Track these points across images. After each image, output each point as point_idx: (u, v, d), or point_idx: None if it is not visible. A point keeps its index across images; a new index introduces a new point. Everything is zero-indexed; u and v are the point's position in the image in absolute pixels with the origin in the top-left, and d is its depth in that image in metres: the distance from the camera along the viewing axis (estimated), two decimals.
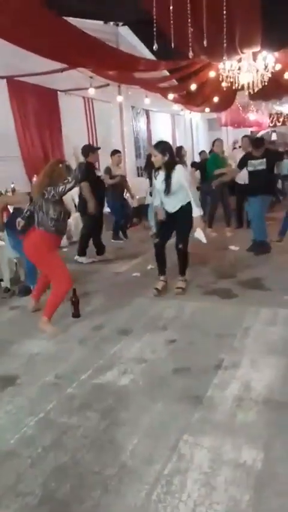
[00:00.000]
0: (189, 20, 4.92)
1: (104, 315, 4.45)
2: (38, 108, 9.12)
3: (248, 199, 7.09)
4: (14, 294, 5.27)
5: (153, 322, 4.22)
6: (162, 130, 15.54)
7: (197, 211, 4.76)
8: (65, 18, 5.18)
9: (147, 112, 14.01)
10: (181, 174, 4.80)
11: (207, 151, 10.86)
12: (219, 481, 2.15)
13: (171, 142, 16.84)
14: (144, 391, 3.01)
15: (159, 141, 5.15)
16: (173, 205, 4.94)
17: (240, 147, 10.25)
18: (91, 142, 10.40)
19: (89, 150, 6.62)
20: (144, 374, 3.25)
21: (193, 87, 9.34)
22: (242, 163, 6.72)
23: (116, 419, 2.71)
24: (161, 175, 4.88)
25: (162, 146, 4.89)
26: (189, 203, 4.79)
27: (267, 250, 6.47)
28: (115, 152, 8.45)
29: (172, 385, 3.07)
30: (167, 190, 4.81)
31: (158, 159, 4.83)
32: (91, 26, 6.39)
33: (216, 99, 10.99)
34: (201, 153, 11.90)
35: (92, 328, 4.16)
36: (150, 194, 7.85)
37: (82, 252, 6.71)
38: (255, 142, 6.76)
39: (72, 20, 5.31)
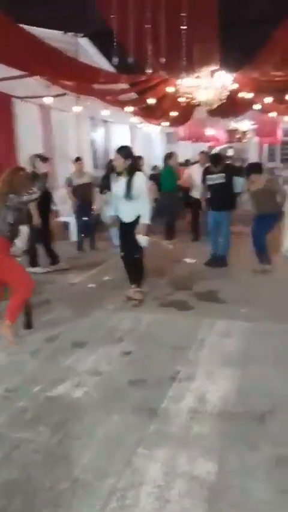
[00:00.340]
0: (147, 37, 5.01)
1: (58, 326, 4.37)
2: None
3: (206, 213, 7.23)
4: None
5: (109, 334, 4.18)
6: (120, 142, 15.61)
7: (146, 219, 4.83)
8: (22, 26, 5.14)
9: (105, 123, 14.05)
10: (142, 180, 4.84)
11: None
12: (173, 494, 2.14)
13: None
14: (99, 404, 2.97)
15: (122, 145, 5.13)
16: (128, 214, 4.93)
17: (194, 163, 10.45)
18: (47, 151, 10.29)
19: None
20: (99, 386, 3.21)
21: (152, 101, 9.46)
22: (203, 179, 6.86)
23: (69, 432, 2.65)
24: (122, 180, 4.86)
25: (125, 151, 4.89)
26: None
27: (225, 264, 6.59)
28: (76, 160, 8.36)
29: (127, 397, 3.04)
30: (128, 194, 4.78)
31: (120, 163, 4.81)
32: (51, 36, 6.38)
33: (174, 113, 11.18)
34: (155, 167, 12.14)
35: (45, 339, 4.06)
36: None
37: (34, 263, 6.58)
38: (214, 159, 6.89)
39: (32, 29, 5.28)
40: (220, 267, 6.50)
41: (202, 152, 9.07)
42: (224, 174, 6.54)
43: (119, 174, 4.92)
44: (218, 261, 6.61)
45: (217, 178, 6.57)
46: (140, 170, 5.19)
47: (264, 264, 6.23)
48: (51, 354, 3.79)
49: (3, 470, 2.33)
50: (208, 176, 6.69)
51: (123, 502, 2.09)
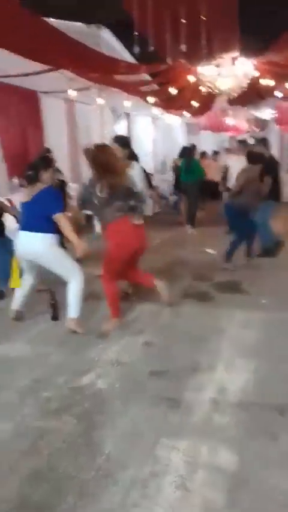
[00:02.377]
0: (167, 25, 4.97)
1: (82, 318, 4.43)
2: (18, 110, 9.05)
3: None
4: None
5: (131, 325, 4.23)
6: (142, 133, 15.58)
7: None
8: (45, 19, 5.17)
9: (128, 115, 14.03)
10: (137, 169, 4.86)
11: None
12: (194, 484, 2.17)
13: (151, 146, 16.89)
14: (121, 394, 3.02)
15: (118, 135, 5.23)
16: None
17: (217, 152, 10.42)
18: (71, 145, 10.38)
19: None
20: (121, 377, 3.26)
21: (172, 91, 9.39)
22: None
23: (93, 422, 2.71)
24: None
25: (123, 140, 5.07)
26: None
27: (274, 253, 6.49)
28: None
29: (149, 388, 3.08)
30: None
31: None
32: (73, 28, 6.39)
33: (195, 103, 11.07)
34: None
35: (70, 331, 4.13)
36: None
37: None
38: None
39: (54, 22, 5.30)
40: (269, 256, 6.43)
41: (240, 142, 9.04)
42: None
43: None
44: (268, 250, 6.54)
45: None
46: (136, 160, 5.17)
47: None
48: (76, 345, 3.86)
49: (29, 459, 2.40)
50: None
51: (145, 491, 2.13)
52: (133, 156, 5.11)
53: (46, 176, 4.08)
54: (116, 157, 4.14)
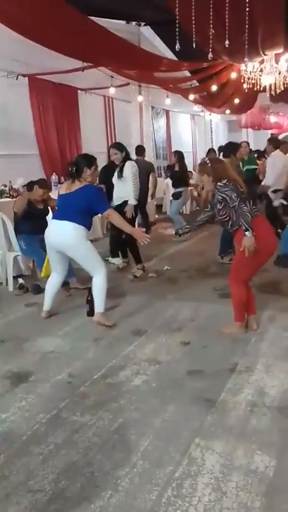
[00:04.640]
0: (211, 21, 4.91)
1: (119, 315, 4.45)
2: (57, 107, 9.18)
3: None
4: (28, 291, 5.31)
5: (168, 324, 4.21)
6: (181, 131, 15.50)
7: (132, 201, 5.73)
8: (88, 17, 5.21)
9: (167, 112, 13.99)
10: (130, 167, 5.66)
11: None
12: (230, 487, 2.13)
13: (190, 144, 16.83)
14: (157, 393, 3.01)
15: (116, 142, 6.27)
16: (118, 197, 5.85)
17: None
18: (110, 142, 10.42)
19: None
20: (158, 375, 3.25)
21: (214, 88, 9.30)
22: None
23: (128, 419, 2.71)
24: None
25: (121, 146, 5.79)
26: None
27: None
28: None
29: (185, 387, 3.06)
30: (119, 176, 5.71)
31: (118, 156, 5.68)
32: (113, 26, 6.41)
33: (237, 100, 10.92)
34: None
35: (106, 327, 4.16)
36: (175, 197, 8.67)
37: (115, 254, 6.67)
38: None
39: (94, 19, 5.33)
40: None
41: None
42: None
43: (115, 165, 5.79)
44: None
45: None
46: (130, 160, 5.90)
47: None
48: (112, 341, 3.88)
49: (65, 452, 2.42)
50: None
51: (180, 491, 2.11)
52: (128, 157, 5.89)
53: (89, 174, 4.11)
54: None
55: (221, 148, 9.65)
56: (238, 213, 3.60)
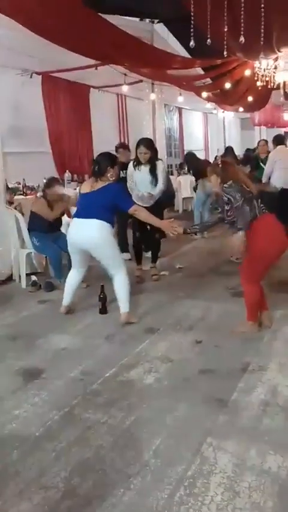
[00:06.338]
0: (225, 17, 4.87)
1: (131, 312, 4.44)
2: (68, 104, 9.20)
3: None
4: (41, 288, 5.34)
5: (179, 322, 4.20)
6: (194, 129, 15.46)
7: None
8: (101, 15, 5.19)
9: (179, 110, 13.95)
10: (163, 168, 5.55)
11: (240, 151, 10.77)
12: (242, 487, 2.12)
13: (203, 141, 16.77)
14: (169, 391, 3.00)
15: (144, 138, 5.81)
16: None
17: None
18: (122, 140, 10.43)
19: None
20: (170, 374, 3.24)
21: (227, 85, 9.23)
22: None
23: (140, 417, 2.71)
24: (144, 169, 5.43)
25: (151, 143, 5.53)
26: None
27: None
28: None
29: (197, 386, 3.05)
30: (153, 181, 5.41)
31: (147, 156, 5.36)
32: (127, 23, 6.39)
33: (250, 98, 10.84)
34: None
35: (118, 325, 4.16)
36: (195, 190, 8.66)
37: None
38: None
39: (107, 17, 5.32)
40: None
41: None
42: None
43: (139, 163, 5.43)
44: None
45: None
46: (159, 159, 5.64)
47: None
48: (124, 339, 3.88)
49: (77, 449, 2.43)
50: None
51: (192, 490, 2.10)
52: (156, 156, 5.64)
53: (112, 173, 4.12)
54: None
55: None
56: (238, 212, 3.60)
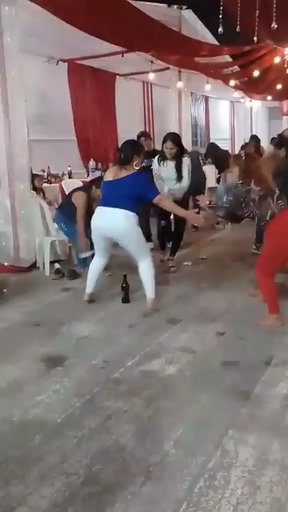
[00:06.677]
0: (256, 2, 4.76)
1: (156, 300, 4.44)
2: (94, 92, 9.16)
3: None
4: (64, 276, 5.37)
5: (202, 313, 4.18)
6: (220, 118, 15.24)
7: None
8: (129, 1, 5.14)
9: (206, 98, 13.76)
10: (188, 164, 5.39)
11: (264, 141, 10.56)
12: (263, 481, 2.10)
13: (229, 131, 16.56)
14: (191, 382, 2.99)
15: (171, 132, 5.76)
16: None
17: None
18: (147, 129, 10.35)
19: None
20: (192, 365, 3.23)
21: (256, 73, 9.06)
22: None
23: (161, 407, 2.71)
24: (170, 164, 5.34)
25: (177, 137, 5.45)
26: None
27: None
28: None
29: (219, 378, 3.03)
30: (179, 177, 5.32)
31: (173, 151, 5.26)
32: (154, 9, 6.32)
33: (279, 86, 10.62)
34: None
35: (140, 314, 4.16)
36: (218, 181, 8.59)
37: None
38: None
39: (134, 3, 5.26)
40: None
41: None
42: None
43: (165, 158, 5.33)
44: None
45: None
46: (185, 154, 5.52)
47: None
48: (147, 328, 3.88)
49: (98, 437, 2.44)
50: None
51: (212, 482, 2.09)
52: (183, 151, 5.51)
53: (137, 162, 4.09)
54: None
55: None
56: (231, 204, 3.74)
